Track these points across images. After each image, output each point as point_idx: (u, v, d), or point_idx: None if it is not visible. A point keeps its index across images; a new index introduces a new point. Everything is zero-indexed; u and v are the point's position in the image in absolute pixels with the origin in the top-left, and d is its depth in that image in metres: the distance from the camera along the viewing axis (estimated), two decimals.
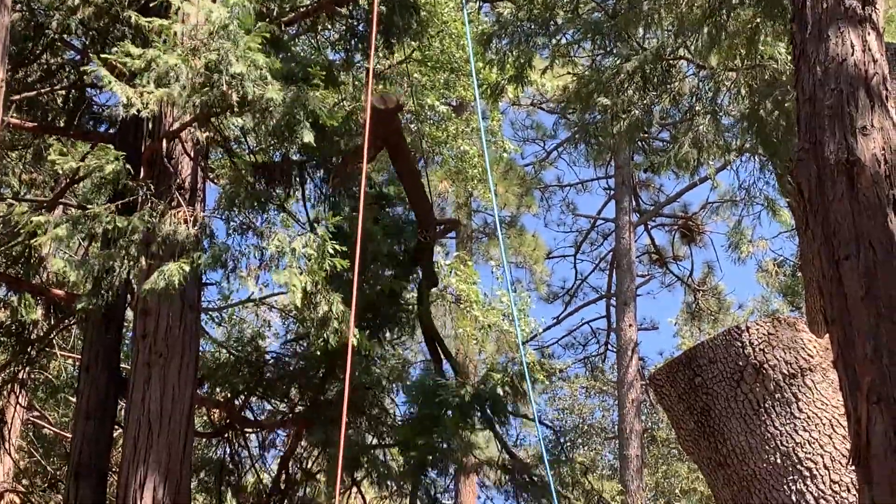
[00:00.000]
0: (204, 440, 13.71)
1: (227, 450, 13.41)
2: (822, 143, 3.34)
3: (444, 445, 11.16)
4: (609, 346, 30.73)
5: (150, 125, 10.90)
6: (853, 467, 2.85)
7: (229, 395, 12.77)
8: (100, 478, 11.25)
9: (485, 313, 19.14)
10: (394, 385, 12.42)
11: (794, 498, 5.58)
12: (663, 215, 29.52)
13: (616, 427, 27.47)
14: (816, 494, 5.54)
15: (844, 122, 3.37)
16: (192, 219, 9.72)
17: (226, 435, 13.11)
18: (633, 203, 28.25)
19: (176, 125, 10.14)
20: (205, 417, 14.67)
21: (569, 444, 31.07)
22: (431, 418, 10.80)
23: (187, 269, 9.05)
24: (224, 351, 13.41)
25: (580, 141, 11.18)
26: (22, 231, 10.15)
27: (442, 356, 12.79)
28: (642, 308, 43.39)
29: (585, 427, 32.01)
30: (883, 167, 3.21)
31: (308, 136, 9.45)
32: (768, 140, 9.39)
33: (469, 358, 21.71)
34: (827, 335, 6.16)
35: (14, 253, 12.72)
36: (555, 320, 31.05)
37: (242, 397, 12.77)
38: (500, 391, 11.26)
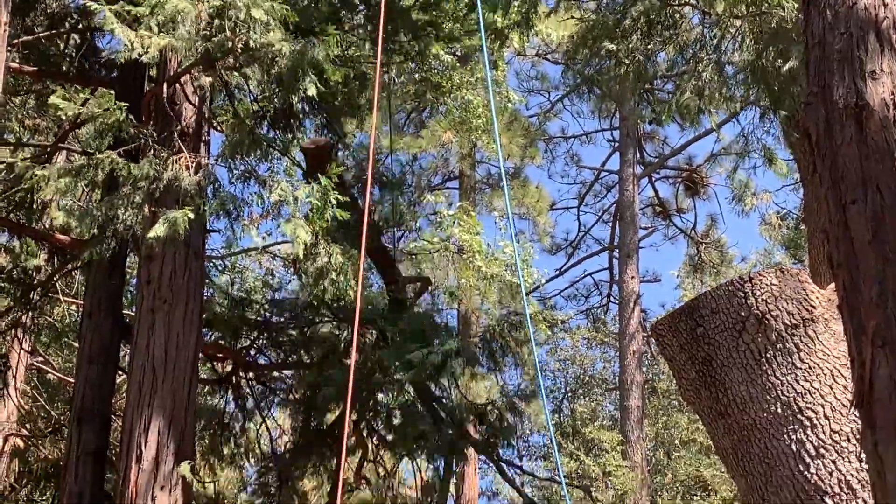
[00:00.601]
0: (208, 388, 13.76)
1: (232, 397, 13.47)
2: (831, 87, 3.32)
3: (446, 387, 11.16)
4: (611, 298, 30.79)
5: (153, 71, 10.85)
6: (856, 411, 2.87)
7: (233, 342, 12.80)
8: (103, 422, 11.32)
9: (488, 264, 19.13)
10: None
11: (794, 447, 5.60)
12: (667, 168, 29.45)
13: (617, 378, 27.59)
14: (816, 444, 5.56)
15: (854, 67, 3.35)
16: (194, 165, 9.70)
17: (230, 382, 13.15)
18: (638, 155, 28.18)
19: (179, 71, 10.10)
20: (209, 365, 14.71)
21: (569, 394, 31.28)
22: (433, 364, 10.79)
23: (192, 215, 9.05)
24: (228, 298, 13.42)
25: (584, 85, 11.12)
26: (25, 183, 10.14)
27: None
28: (645, 260, 43.51)
29: (586, 378, 32.15)
30: (892, 111, 3.19)
31: (313, 90, 9.41)
32: (771, 89, 9.33)
33: (471, 308, 21.74)
34: (830, 286, 6.17)
35: (16, 199, 12.71)
36: (557, 272, 31.10)
37: (247, 343, 12.79)
38: (501, 340, 11.27)
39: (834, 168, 3.01)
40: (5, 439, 16.18)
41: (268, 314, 13.03)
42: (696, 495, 24.36)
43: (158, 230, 9.00)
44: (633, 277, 26.26)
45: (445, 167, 24.96)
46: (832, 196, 2.98)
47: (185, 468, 9.62)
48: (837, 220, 2.95)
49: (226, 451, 14.65)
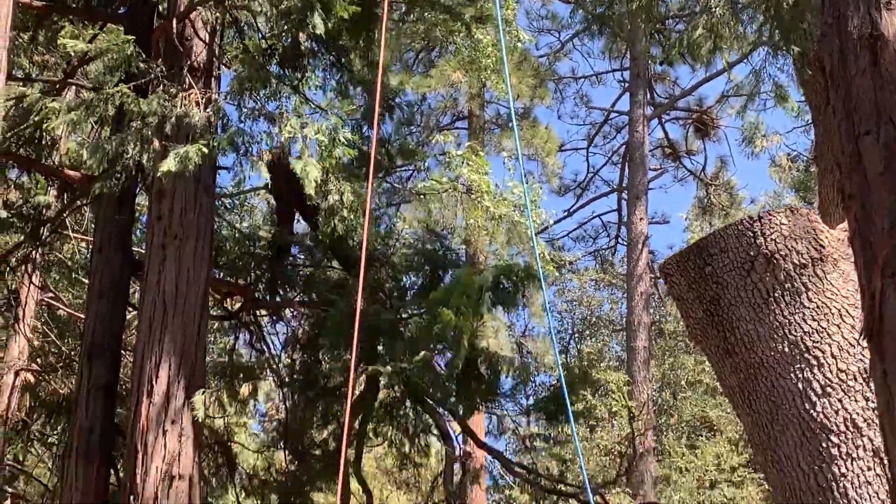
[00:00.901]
0: (217, 325, 13.84)
1: (241, 334, 13.55)
2: (846, 17, 3.29)
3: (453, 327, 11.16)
4: (619, 240, 30.81)
5: (162, 7, 10.79)
6: (863, 350, 2.88)
7: (243, 279, 12.83)
8: (113, 357, 11.38)
9: (496, 204, 19.11)
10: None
11: (800, 386, 5.63)
12: (678, 109, 29.30)
13: (624, 319, 27.66)
14: (823, 382, 5.58)
15: None
16: (205, 101, 9.69)
17: (240, 319, 13.20)
18: (648, 96, 28.02)
19: (189, 6, 10.05)
20: (219, 302, 14.77)
21: (576, 335, 31.40)
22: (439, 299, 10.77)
23: (205, 150, 9.04)
24: (237, 236, 13.45)
25: (594, 24, 11.03)
26: (35, 116, 10.13)
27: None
28: (654, 202, 43.43)
29: (593, 319, 32.26)
30: None
31: (321, 27, 9.36)
32: (784, 23, 9.23)
33: (479, 249, 21.75)
34: (840, 226, 6.17)
35: (25, 134, 12.70)
36: (566, 213, 31.09)
37: (255, 280, 12.82)
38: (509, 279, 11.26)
39: (847, 99, 2.99)
40: (17, 374, 16.32)
41: (275, 253, 13.03)
42: (702, 436, 24.52)
43: (170, 164, 9.01)
44: (641, 219, 26.23)
45: (454, 107, 24.87)
46: (845, 127, 2.96)
47: (197, 401, 9.71)
48: (850, 151, 2.94)
49: (235, 386, 14.76)
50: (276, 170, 10.97)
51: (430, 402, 11.19)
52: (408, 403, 11.66)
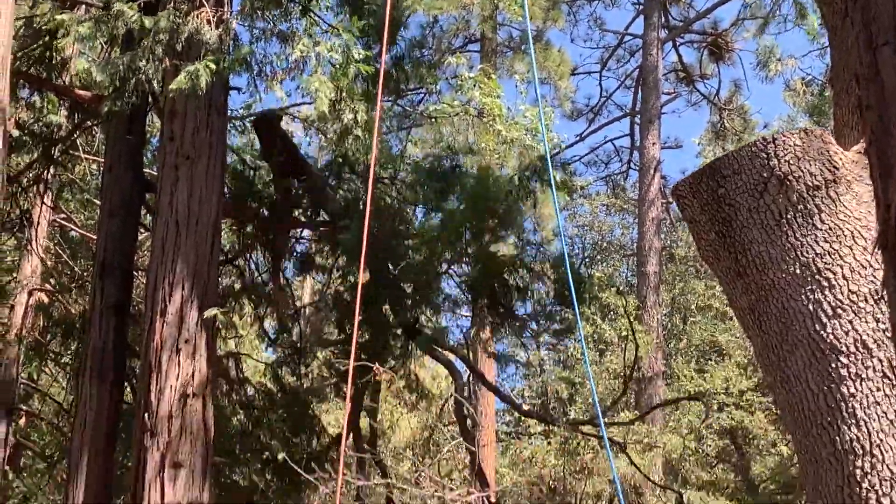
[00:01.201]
0: (229, 246, 13.84)
1: (253, 256, 13.57)
2: None
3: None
4: (631, 165, 30.72)
5: None
6: (879, 251, 2.89)
7: (255, 202, 12.83)
8: (125, 276, 11.46)
9: (508, 128, 19.02)
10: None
11: (811, 307, 5.63)
12: (692, 32, 29.03)
13: (635, 245, 27.67)
14: (834, 304, 5.58)
15: None
16: (216, 19, 9.62)
17: (252, 240, 13.23)
18: (662, 19, 27.75)
19: None
20: (231, 224, 14.79)
21: (587, 260, 31.42)
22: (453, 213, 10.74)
23: (214, 67, 9.00)
24: (249, 158, 13.43)
25: None
26: (44, 29, 10.07)
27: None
28: (666, 127, 43.12)
29: (604, 244, 32.28)
30: None
31: None
32: None
33: (491, 173, 21.68)
34: (854, 147, 6.14)
35: (36, 54, 12.66)
36: (578, 137, 30.99)
37: (268, 203, 12.82)
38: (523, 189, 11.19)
39: (866, 10, 2.95)
40: (30, 294, 16.42)
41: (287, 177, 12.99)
42: (711, 359, 24.65)
43: (181, 82, 8.97)
44: (654, 143, 26.13)
45: (466, 29, 24.65)
46: (863, 38, 2.93)
47: (209, 322, 9.78)
48: (868, 62, 2.91)
49: (247, 309, 14.83)
50: (263, 128, 10.93)
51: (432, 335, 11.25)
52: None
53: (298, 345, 12.97)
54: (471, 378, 14.97)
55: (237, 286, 13.67)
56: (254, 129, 11.48)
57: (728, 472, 22.65)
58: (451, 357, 13.09)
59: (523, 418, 22.33)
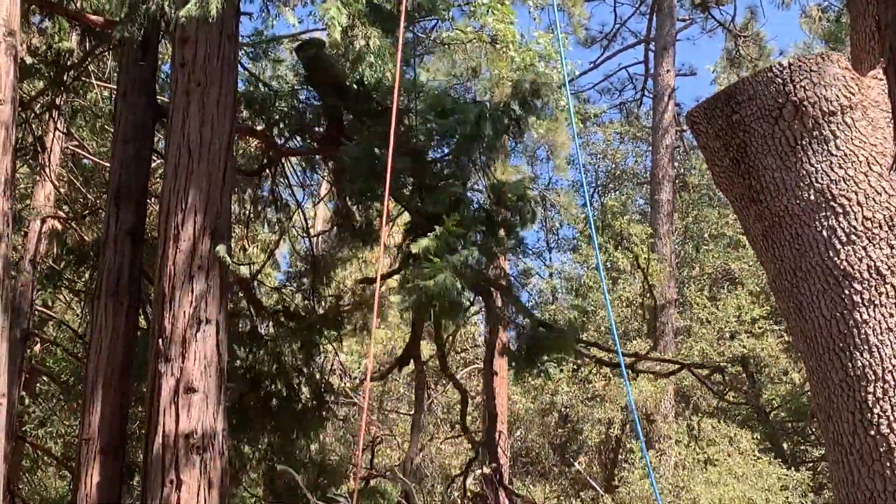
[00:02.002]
0: (242, 175, 13.81)
1: (268, 183, 13.55)
2: None
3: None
4: (645, 92, 30.52)
5: None
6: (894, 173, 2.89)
7: (267, 127, 12.75)
8: (139, 202, 11.48)
9: (521, 54, 18.87)
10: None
11: (825, 234, 5.62)
12: None
13: (648, 173, 27.58)
14: (848, 230, 5.57)
15: None
16: None
17: (265, 167, 13.20)
18: None
19: None
20: (244, 151, 14.76)
21: (600, 188, 31.36)
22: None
23: None
24: (261, 85, 13.36)
25: None
26: None
27: None
28: (681, 54, 42.93)
29: (618, 172, 32.18)
30: None
31: None
32: None
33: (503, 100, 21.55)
34: (870, 73, 6.08)
35: None
36: (591, 65, 30.79)
37: (280, 129, 12.75)
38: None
39: None
40: (43, 221, 16.46)
41: (301, 101, 12.92)
42: (724, 287, 24.68)
43: (191, 8, 8.90)
44: (668, 71, 25.93)
45: None
46: None
47: (221, 249, 9.79)
48: None
49: (261, 237, 14.86)
50: (306, 55, 10.82)
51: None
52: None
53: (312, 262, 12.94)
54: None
55: (250, 211, 13.65)
56: (297, 54, 11.36)
57: (739, 399, 22.77)
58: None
59: None
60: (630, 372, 13.87)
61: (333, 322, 12.58)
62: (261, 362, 12.75)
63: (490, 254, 10.59)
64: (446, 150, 11.21)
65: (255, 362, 12.71)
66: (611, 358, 13.42)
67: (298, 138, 13.31)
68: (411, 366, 12.89)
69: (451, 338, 19.17)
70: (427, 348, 23.97)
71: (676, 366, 14.81)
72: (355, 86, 11.01)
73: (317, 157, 13.23)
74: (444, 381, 21.29)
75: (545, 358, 11.04)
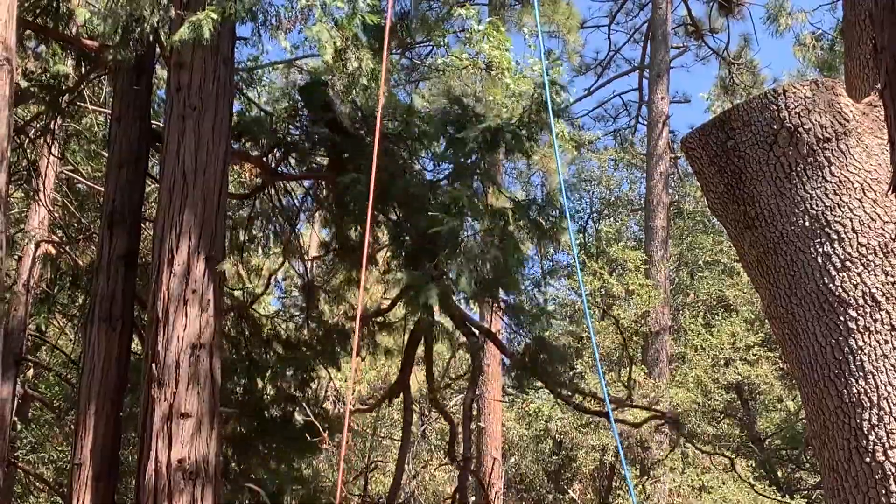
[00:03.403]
0: (236, 201, 13.80)
1: (261, 207, 13.52)
2: None
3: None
4: (640, 119, 30.61)
5: None
6: (892, 194, 2.87)
7: (262, 152, 12.76)
8: (133, 226, 11.46)
9: (516, 81, 18.94)
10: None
11: (820, 260, 5.61)
12: None
13: (643, 199, 27.61)
14: (843, 257, 5.56)
15: None
16: None
17: (260, 192, 13.18)
18: None
19: None
20: (239, 176, 14.75)
21: (595, 214, 31.38)
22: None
23: (215, 17, 8.93)
24: (256, 109, 13.36)
25: None
26: None
27: None
28: (675, 81, 42.99)
29: (612, 199, 32.22)
30: None
31: None
32: None
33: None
34: (864, 100, 6.09)
35: (42, 3, 12.59)
36: (586, 92, 30.87)
37: (275, 153, 12.74)
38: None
39: None
40: (37, 245, 16.43)
41: (294, 126, 12.92)
42: (718, 314, 24.67)
43: (183, 33, 8.91)
44: (662, 98, 25.99)
45: None
46: None
47: (217, 272, 9.77)
48: (884, 3, 2.88)
49: (254, 261, 14.82)
50: (309, 94, 10.87)
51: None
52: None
53: (304, 296, 12.95)
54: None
55: (244, 235, 13.63)
56: (299, 94, 11.45)
57: (734, 426, 22.73)
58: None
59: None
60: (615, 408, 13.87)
61: (329, 352, 12.57)
62: (256, 388, 12.71)
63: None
64: (442, 177, 11.23)
65: (253, 388, 12.66)
66: (592, 402, 13.48)
67: (293, 163, 13.32)
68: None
69: (445, 364, 19.15)
70: (421, 374, 23.94)
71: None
72: (356, 125, 11.01)
73: (313, 181, 13.22)
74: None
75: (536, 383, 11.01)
